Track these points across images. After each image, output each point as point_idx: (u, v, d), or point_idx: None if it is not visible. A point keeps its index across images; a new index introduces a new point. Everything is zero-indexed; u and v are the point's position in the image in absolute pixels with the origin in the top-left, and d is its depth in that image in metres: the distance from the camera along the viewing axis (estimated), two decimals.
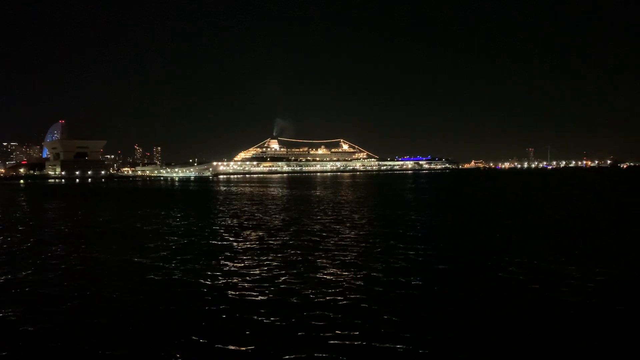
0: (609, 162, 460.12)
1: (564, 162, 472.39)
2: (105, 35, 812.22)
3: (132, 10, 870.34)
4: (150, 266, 19.59)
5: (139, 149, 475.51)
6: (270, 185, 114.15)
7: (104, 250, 23.44)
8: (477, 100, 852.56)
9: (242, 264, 19.64)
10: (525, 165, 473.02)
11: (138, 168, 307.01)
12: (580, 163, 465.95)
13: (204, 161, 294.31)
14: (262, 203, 54.24)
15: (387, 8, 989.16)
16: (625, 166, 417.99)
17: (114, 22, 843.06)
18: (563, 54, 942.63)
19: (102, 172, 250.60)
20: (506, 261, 19.54)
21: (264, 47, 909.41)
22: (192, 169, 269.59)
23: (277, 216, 38.93)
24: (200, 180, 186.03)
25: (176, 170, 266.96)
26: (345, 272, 17.80)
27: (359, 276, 17.07)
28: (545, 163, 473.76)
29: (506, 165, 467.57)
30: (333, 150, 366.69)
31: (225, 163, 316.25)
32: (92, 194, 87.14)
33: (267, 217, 38.15)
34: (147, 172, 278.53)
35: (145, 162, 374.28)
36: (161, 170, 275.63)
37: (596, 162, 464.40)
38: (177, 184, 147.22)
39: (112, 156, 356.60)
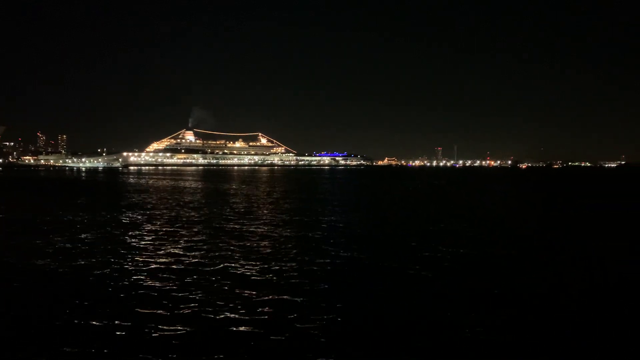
0: (509, 162, 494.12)
1: (470, 162, 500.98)
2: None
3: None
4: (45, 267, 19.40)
5: (42, 137, 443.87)
6: (184, 178, 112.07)
7: None
8: (395, 99, 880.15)
9: (150, 260, 19.88)
10: (434, 163, 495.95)
11: (41, 157, 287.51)
12: (483, 163, 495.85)
13: (113, 151, 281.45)
14: (173, 196, 53.58)
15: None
16: (524, 166, 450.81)
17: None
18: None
19: (0, 161, 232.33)
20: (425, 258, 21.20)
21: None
22: (100, 159, 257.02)
23: (187, 210, 38.81)
24: (108, 171, 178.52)
25: (83, 160, 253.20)
26: (259, 270, 18.50)
27: (273, 276, 17.73)
28: (453, 162, 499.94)
29: (416, 163, 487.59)
30: (251, 143, 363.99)
31: (136, 154, 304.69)
32: None
33: (177, 211, 37.95)
34: (51, 161, 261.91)
35: (50, 150, 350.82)
36: (67, 160, 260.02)
37: (498, 162, 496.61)
38: (83, 174, 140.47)
39: (12, 143, 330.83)
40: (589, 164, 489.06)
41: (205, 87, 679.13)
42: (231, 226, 28.23)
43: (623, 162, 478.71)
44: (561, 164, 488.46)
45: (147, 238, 23.77)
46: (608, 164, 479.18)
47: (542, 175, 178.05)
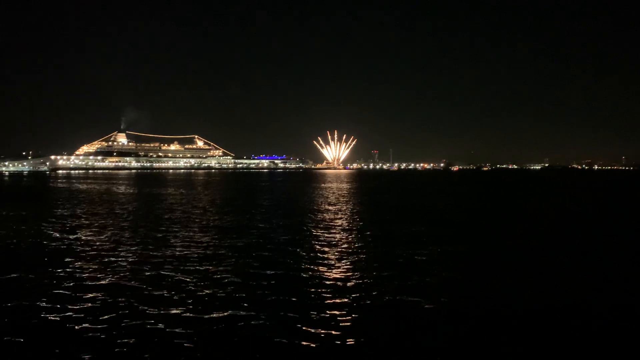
0: (442, 165, 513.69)
1: (404, 164, 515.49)
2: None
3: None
4: None
5: None
6: (116, 182, 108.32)
7: None
8: (332, 102, 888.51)
9: (83, 268, 19.21)
10: (371, 166, 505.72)
11: None
12: (417, 166, 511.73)
13: (40, 154, 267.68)
14: (106, 201, 51.72)
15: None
16: (456, 169, 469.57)
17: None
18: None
19: None
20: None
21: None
22: (25, 163, 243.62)
23: (119, 212, 37.66)
24: (35, 175, 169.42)
25: (6, 163, 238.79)
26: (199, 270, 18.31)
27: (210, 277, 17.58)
28: (389, 165, 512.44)
29: (354, 166, 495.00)
30: (187, 146, 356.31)
31: (65, 157, 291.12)
32: None
33: (110, 216, 36.71)
34: None
35: None
36: None
37: (431, 164, 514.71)
38: (6, 179, 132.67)
39: None
40: (515, 167, 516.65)
41: (138, 88, 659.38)
42: (165, 250, 27.64)
43: (547, 165, 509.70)
44: (490, 166, 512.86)
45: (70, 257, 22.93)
46: (533, 166, 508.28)
47: (475, 176, 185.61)
